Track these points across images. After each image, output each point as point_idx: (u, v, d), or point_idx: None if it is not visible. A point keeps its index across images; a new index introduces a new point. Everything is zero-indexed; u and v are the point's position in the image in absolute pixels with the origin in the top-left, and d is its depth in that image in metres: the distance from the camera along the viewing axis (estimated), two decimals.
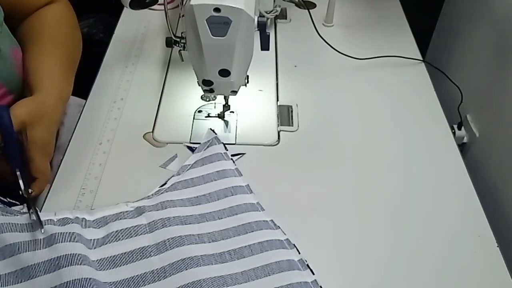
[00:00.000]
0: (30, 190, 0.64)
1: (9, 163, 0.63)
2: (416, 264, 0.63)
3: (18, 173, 0.63)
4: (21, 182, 0.63)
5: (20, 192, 0.63)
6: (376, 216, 0.68)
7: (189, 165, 0.72)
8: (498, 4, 1.00)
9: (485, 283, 0.62)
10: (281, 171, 0.74)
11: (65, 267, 0.56)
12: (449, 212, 0.70)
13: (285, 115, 0.84)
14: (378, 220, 0.68)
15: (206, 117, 0.82)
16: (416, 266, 0.63)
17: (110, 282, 0.58)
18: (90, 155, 0.75)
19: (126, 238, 0.62)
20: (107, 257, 0.60)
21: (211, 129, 0.78)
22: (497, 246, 0.65)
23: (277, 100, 0.87)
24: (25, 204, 0.63)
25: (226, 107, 0.81)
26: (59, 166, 0.73)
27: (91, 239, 0.61)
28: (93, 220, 0.64)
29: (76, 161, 0.74)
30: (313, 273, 0.60)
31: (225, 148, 0.75)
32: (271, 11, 0.96)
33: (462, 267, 0.63)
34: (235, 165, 0.73)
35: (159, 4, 0.82)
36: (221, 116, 0.82)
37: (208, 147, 0.75)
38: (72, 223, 0.62)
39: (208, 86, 0.74)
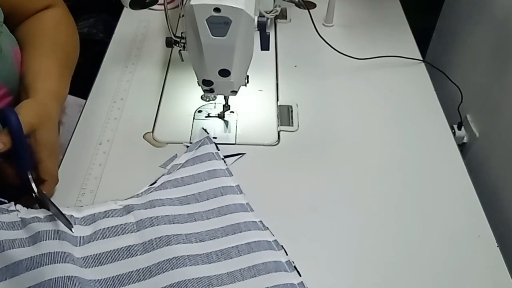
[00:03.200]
0: (45, 191, 0.64)
1: (19, 166, 0.63)
2: (416, 264, 0.63)
3: (30, 176, 0.63)
4: (33, 184, 0.63)
5: (33, 195, 0.63)
6: (376, 216, 0.68)
7: (180, 164, 0.72)
8: (498, 4, 1.00)
9: (485, 283, 0.62)
10: (281, 171, 0.74)
11: (48, 264, 0.56)
12: (449, 212, 0.70)
13: (285, 115, 0.84)
14: (377, 220, 0.68)
15: (206, 117, 0.82)
16: (416, 266, 0.63)
17: (95, 280, 0.57)
18: (90, 155, 0.75)
19: (113, 236, 0.61)
20: (93, 255, 0.60)
21: (203, 128, 0.78)
22: (497, 246, 0.65)
23: (277, 100, 0.87)
24: (12, 202, 0.63)
25: (226, 107, 0.81)
26: (59, 166, 0.72)
27: (77, 236, 0.61)
28: (81, 218, 0.63)
29: (76, 161, 0.74)
30: (300, 275, 0.60)
31: (217, 148, 0.75)
32: (271, 11, 0.96)
33: (462, 267, 0.63)
34: (226, 165, 0.73)
35: (159, 4, 0.82)
36: (221, 116, 0.82)
37: (199, 146, 0.75)
38: (59, 220, 0.61)
39: (208, 86, 0.73)
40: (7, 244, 0.58)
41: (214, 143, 0.75)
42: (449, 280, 0.62)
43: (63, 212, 0.62)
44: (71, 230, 0.60)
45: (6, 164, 0.64)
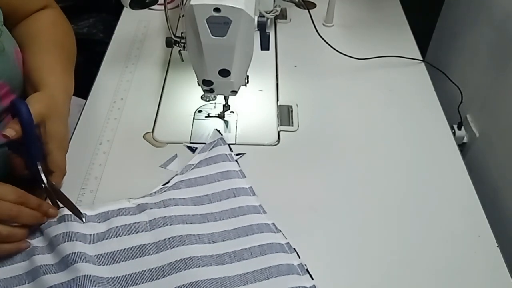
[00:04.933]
0: (53, 182, 0.64)
1: (28, 156, 0.64)
2: (417, 264, 0.63)
3: (39, 167, 0.63)
4: (43, 175, 0.63)
5: (43, 185, 0.63)
6: (376, 216, 0.68)
7: (193, 164, 0.72)
8: (497, 4, 1.00)
9: (485, 283, 0.62)
10: (281, 171, 0.74)
11: (66, 268, 0.57)
12: (449, 212, 0.70)
13: (285, 115, 0.84)
14: (378, 220, 0.68)
15: (206, 117, 0.82)
16: (417, 266, 0.63)
17: (108, 278, 0.58)
18: (90, 155, 0.75)
19: (127, 234, 0.62)
20: (106, 253, 0.60)
21: (217, 129, 0.78)
22: (497, 246, 0.65)
23: (277, 100, 0.87)
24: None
25: (226, 107, 0.81)
26: None
27: (90, 234, 0.62)
28: (94, 215, 0.64)
29: (76, 161, 0.74)
30: (312, 278, 0.60)
31: (230, 149, 0.75)
32: (271, 11, 0.96)
33: (462, 267, 0.63)
34: (239, 166, 0.73)
35: (159, 4, 0.82)
36: (221, 116, 0.82)
37: (213, 147, 0.75)
38: (69, 220, 0.62)
39: (208, 86, 0.74)
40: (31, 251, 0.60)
41: (228, 144, 0.76)
42: (449, 280, 0.62)
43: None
44: (82, 220, 0.61)
45: (14, 155, 0.64)
